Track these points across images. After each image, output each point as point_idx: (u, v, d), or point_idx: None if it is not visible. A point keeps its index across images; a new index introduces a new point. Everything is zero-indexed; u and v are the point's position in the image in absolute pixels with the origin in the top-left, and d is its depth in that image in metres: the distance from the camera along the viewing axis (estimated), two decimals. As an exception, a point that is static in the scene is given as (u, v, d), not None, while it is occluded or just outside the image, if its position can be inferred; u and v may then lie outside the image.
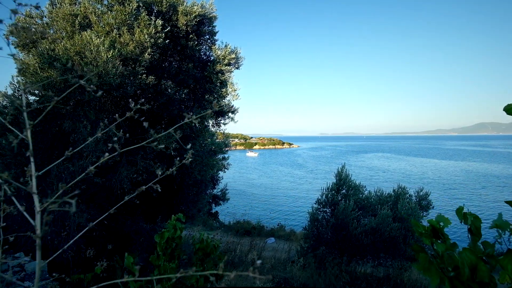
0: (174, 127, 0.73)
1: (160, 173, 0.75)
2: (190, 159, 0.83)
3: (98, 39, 3.92)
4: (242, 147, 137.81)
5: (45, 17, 5.46)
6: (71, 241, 1.04)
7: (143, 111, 5.17)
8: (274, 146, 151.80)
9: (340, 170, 8.75)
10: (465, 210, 1.37)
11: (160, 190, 0.76)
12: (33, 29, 5.31)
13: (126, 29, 4.50)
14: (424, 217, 8.17)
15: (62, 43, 4.26)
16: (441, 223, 1.21)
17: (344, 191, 8.67)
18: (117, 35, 4.48)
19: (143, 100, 0.70)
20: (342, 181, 8.64)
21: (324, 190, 8.84)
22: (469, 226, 1.38)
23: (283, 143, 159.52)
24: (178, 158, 0.90)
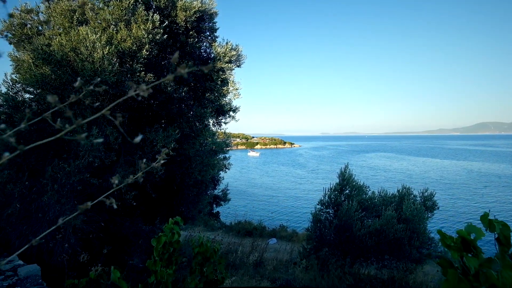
0: (118, 101, 0.58)
1: (117, 181, 0.59)
2: (162, 161, 0.67)
3: (94, 35, 3.77)
4: (243, 147, 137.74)
5: (42, 12, 5.32)
6: (52, 228, 0.89)
7: (142, 108, 4.99)
8: (275, 146, 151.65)
9: (343, 170, 8.58)
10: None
11: (115, 206, 0.61)
12: (29, 25, 5.18)
13: (124, 25, 4.35)
14: (429, 218, 8.00)
15: (57, 39, 4.11)
16: (473, 234, 1.06)
17: (347, 191, 8.50)
18: (114, 31, 4.33)
19: (99, 79, 0.54)
20: (346, 181, 8.47)
21: (327, 190, 8.68)
22: (496, 235, 1.23)
23: (285, 143, 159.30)
24: (164, 157, 0.74)
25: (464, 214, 22.78)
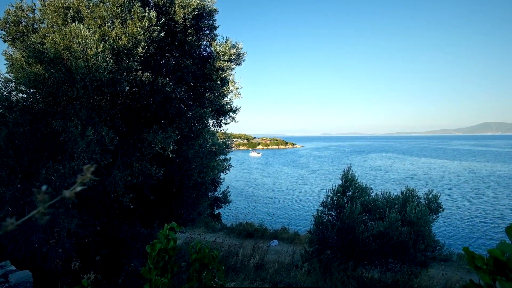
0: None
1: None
2: (79, 189, 0.54)
3: (87, 31, 3.63)
4: (245, 147, 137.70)
5: (37, 10, 5.19)
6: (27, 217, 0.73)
7: (140, 109, 4.85)
8: (277, 146, 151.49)
9: (346, 171, 8.41)
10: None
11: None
12: (24, 23, 5.05)
13: (119, 22, 4.20)
14: (434, 221, 7.82)
15: (51, 37, 3.97)
16: (507, 254, 0.90)
17: (350, 193, 8.33)
18: (110, 29, 4.18)
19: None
20: (348, 183, 8.30)
21: (329, 192, 8.51)
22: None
23: (286, 143, 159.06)
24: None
25: (462, 214, 22.56)
